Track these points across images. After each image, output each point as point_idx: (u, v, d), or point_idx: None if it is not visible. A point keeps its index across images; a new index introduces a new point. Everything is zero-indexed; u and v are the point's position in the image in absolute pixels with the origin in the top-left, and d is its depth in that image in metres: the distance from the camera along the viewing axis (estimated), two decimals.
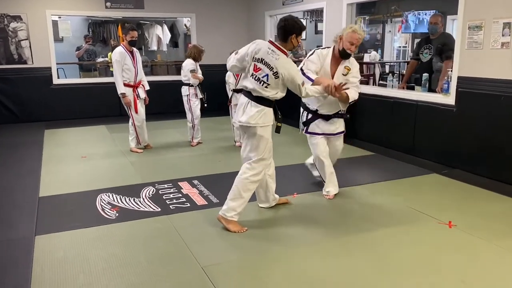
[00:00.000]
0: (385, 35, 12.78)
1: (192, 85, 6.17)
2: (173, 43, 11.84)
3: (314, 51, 3.97)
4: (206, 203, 4.00)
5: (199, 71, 6.23)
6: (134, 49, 5.81)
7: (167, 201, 4.05)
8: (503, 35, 4.38)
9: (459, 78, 4.89)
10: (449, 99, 5.02)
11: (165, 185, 4.49)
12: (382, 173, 4.94)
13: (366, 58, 9.48)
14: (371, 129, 6.27)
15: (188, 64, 6.14)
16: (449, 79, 5.10)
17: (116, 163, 5.46)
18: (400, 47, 12.39)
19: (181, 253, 3.03)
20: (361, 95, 6.21)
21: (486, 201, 4.01)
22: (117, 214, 3.74)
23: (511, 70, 4.33)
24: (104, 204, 3.97)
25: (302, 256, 2.98)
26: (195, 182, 4.59)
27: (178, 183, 4.57)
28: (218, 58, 9.10)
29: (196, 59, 6.21)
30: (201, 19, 9.32)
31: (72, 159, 5.60)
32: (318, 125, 4.06)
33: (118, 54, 5.63)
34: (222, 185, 4.42)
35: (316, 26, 13.22)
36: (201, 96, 6.33)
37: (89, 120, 8.28)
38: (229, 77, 6.07)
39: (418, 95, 5.50)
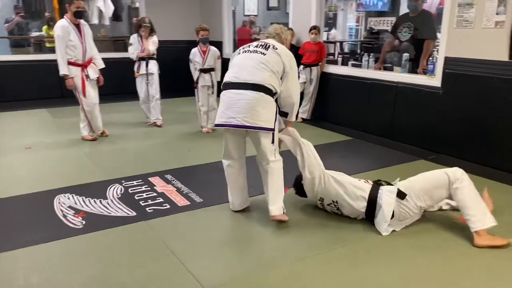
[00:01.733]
0: (337, 13, 12.58)
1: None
2: (116, 16, 10.79)
3: None
4: (189, 203, 3.45)
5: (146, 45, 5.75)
6: (81, 21, 5.00)
7: (141, 202, 3.45)
8: (497, 14, 4.15)
9: (446, 58, 4.64)
10: (435, 81, 4.78)
11: (134, 182, 3.88)
12: (364, 160, 4.64)
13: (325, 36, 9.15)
14: (346, 112, 5.96)
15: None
16: (434, 60, 4.84)
17: (68, 155, 4.71)
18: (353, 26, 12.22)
19: (177, 273, 2.49)
20: (335, 76, 5.88)
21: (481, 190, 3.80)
22: (83, 222, 3.10)
23: (504, 51, 4.12)
24: (65, 208, 3.31)
25: (311, 268, 2.56)
26: (169, 177, 4.01)
27: (149, 178, 3.96)
28: (170, 34, 8.39)
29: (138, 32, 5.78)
30: None
31: (13, 152, 4.77)
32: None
33: (60, 29, 4.80)
34: (201, 180, 3.93)
35: (268, 2, 12.73)
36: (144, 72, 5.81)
37: (25, 103, 7.25)
38: (195, 55, 5.45)
39: (399, 76, 5.22)
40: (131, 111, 6.77)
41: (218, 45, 7.79)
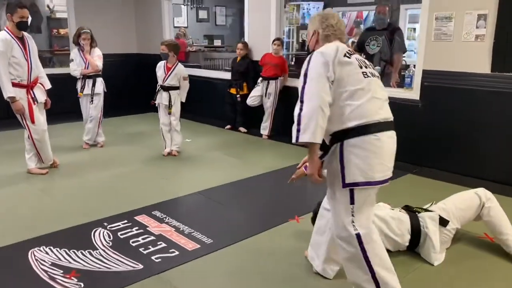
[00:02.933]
0: None
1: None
2: (34, 28, 9.66)
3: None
4: (198, 246, 2.95)
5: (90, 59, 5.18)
6: (25, 34, 4.24)
7: (141, 249, 2.89)
8: (477, 27, 4.23)
9: (424, 71, 4.65)
10: (413, 94, 4.77)
11: (120, 223, 3.27)
12: None
13: None
14: None
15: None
16: (411, 73, 4.84)
17: (19, 193, 3.93)
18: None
19: None
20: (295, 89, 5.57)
21: None
22: (81, 284, 2.48)
23: (486, 64, 4.20)
24: (48, 267, 2.64)
25: None
26: (157, 214, 3.46)
27: (135, 218, 3.38)
28: (102, 47, 7.64)
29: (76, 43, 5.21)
30: (82, 2, 7.64)
31: None
32: None
33: (2, 43, 4.02)
34: (196, 215, 3.56)
35: (197, 14, 12.32)
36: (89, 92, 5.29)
37: None
38: (159, 69, 4.94)
39: None
40: (69, 134, 5.97)
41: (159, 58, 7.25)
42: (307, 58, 2.10)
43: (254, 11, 6.35)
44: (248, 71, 6.29)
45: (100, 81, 5.28)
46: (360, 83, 2.06)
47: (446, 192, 3.23)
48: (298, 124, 1.98)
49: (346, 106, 2.03)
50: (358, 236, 2.04)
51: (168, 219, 3.36)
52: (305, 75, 2.04)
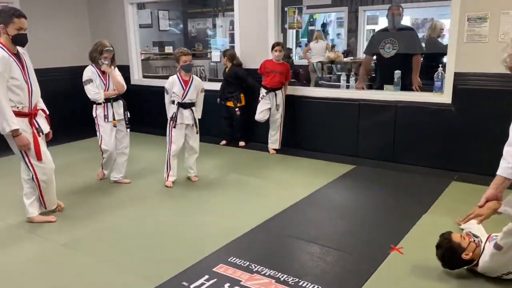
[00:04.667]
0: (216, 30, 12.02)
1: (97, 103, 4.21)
2: None
3: None
4: None
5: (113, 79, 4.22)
6: (20, 50, 3.37)
7: None
8: None
9: (456, 74, 4.50)
10: (444, 98, 4.61)
11: (203, 281, 2.64)
12: (408, 192, 4.19)
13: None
14: (327, 137, 5.40)
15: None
16: (440, 76, 4.68)
17: (40, 254, 3.08)
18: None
19: None
20: (310, 98, 5.22)
21: None
22: None
23: None
24: None
25: None
26: (237, 261, 2.86)
27: (214, 270, 2.76)
28: (55, 60, 6.68)
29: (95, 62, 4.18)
30: (27, 5, 6.54)
31: None
32: None
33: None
34: (279, 254, 3.04)
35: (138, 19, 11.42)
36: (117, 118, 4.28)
37: None
38: (174, 85, 4.25)
39: (400, 95, 4.92)
40: None
41: (125, 69, 6.48)
42: None
43: (246, 14, 5.84)
44: (242, 80, 5.77)
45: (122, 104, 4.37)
46: None
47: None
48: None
49: None
50: None
51: (256, 266, 2.78)
52: None
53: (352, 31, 9.85)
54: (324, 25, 9.60)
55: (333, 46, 8.93)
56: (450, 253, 2.56)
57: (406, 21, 11.59)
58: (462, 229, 3.25)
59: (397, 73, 4.96)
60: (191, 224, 3.53)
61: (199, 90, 4.34)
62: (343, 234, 3.32)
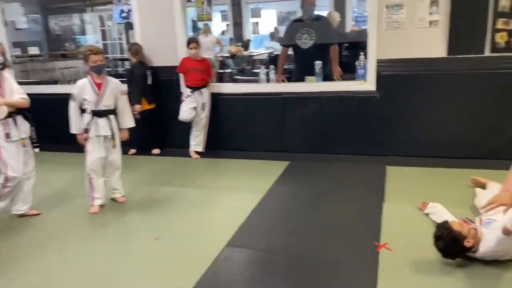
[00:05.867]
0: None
1: None
2: None
3: None
4: None
5: None
6: None
7: None
8: (430, 13, 4.35)
9: (379, 61, 4.58)
10: (368, 85, 4.67)
11: None
12: (361, 184, 4.12)
13: None
14: (254, 135, 5.12)
15: None
16: (361, 64, 4.71)
17: None
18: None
19: None
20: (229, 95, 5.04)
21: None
22: None
23: (442, 48, 4.36)
24: None
25: None
26: None
27: None
28: None
29: None
30: None
31: None
32: None
33: None
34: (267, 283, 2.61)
35: None
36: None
37: None
38: (83, 90, 3.53)
39: (323, 85, 4.84)
40: None
41: None
42: None
43: (148, 8, 5.21)
44: (142, 80, 5.14)
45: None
46: None
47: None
48: None
49: None
50: None
51: None
52: None
53: (238, 24, 9.71)
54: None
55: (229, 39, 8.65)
56: (453, 243, 2.49)
57: (272, 14, 12.09)
58: (427, 214, 3.28)
59: (318, 63, 4.89)
60: (142, 262, 2.93)
61: (118, 94, 3.67)
62: (324, 241, 3.05)
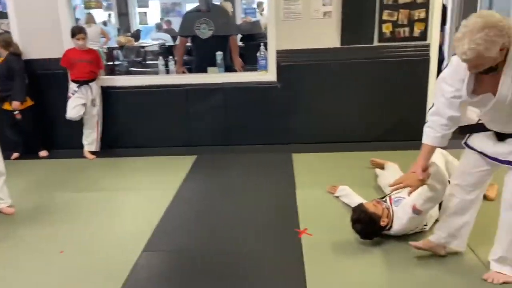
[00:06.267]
0: None
1: None
2: None
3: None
4: None
5: None
6: None
7: None
8: (324, 5, 4.52)
9: (278, 51, 4.65)
10: (269, 76, 4.72)
11: None
12: (264, 170, 4.15)
13: None
14: (154, 130, 4.87)
15: None
16: (262, 54, 4.74)
17: None
18: None
19: None
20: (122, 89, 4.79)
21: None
22: None
23: (336, 39, 4.57)
24: None
25: None
26: None
27: None
28: None
29: None
30: None
31: None
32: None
33: None
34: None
35: None
36: None
37: None
38: None
39: (225, 76, 4.77)
40: None
41: None
42: None
43: None
44: (23, 74, 4.59)
45: None
46: None
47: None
48: None
49: None
50: None
51: None
52: None
53: (124, 14, 9.17)
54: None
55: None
56: (370, 224, 2.62)
57: (156, 5, 11.69)
58: (337, 196, 3.42)
59: (219, 54, 4.80)
60: (51, 280, 2.59)
61: None
62: (243, 233, 3.00)
